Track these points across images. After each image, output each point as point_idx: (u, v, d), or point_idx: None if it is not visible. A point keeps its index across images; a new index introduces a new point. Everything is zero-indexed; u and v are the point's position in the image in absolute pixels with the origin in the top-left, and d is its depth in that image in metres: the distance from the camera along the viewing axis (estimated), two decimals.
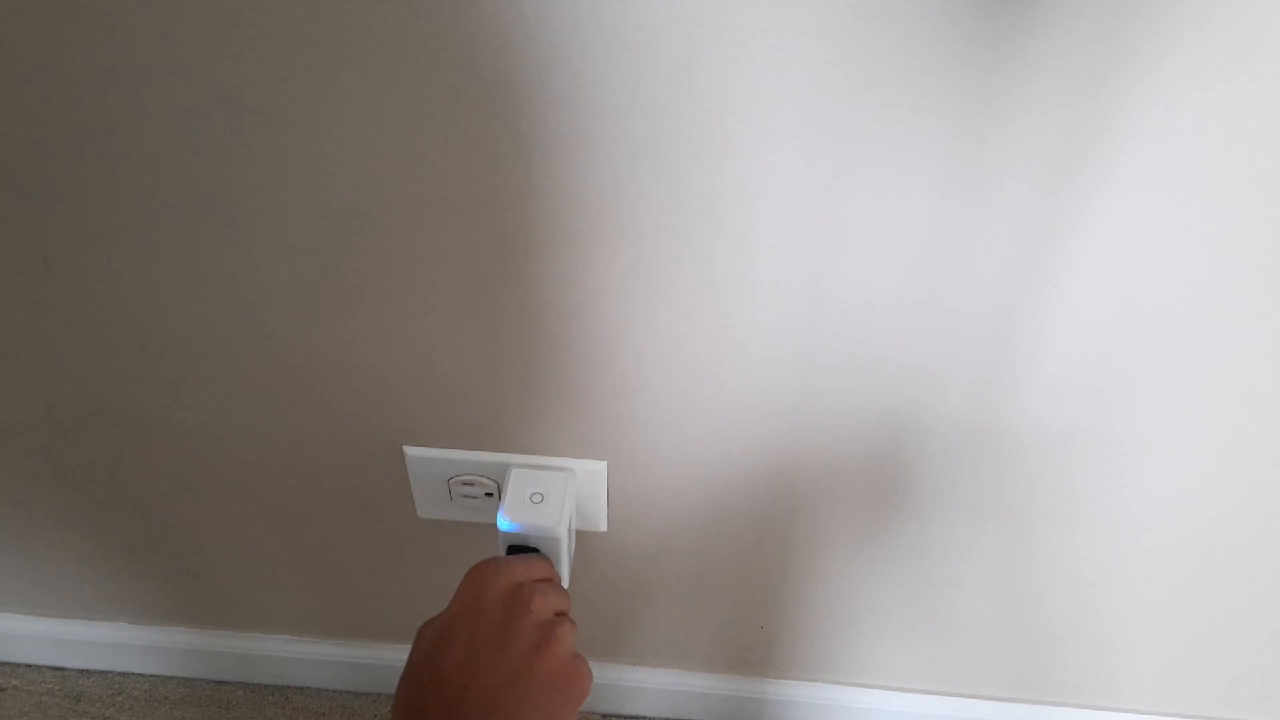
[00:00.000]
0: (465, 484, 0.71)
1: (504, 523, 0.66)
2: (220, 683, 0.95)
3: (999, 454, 0.66)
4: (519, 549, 0.67)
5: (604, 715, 0.92)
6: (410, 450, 0.70)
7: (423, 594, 0.83)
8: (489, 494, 0.71)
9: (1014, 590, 0.76)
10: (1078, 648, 0.81)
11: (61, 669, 0.95)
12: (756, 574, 0.78)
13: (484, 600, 0.49)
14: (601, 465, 0.69)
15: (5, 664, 0.95)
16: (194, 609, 0.89)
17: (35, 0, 0.49)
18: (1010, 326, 0.59)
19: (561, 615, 0.52)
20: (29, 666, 0.95)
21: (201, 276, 0.61)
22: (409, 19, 0.48)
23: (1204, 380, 0.60)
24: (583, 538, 0.75)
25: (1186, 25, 0.46)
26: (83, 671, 0.95)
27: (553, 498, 0.67)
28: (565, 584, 0.70)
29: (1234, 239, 0.54)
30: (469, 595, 0.50)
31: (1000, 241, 0.55)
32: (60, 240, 0.60)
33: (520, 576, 0.52)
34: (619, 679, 0.89)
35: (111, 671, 0.95)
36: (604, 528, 0.74)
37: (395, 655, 0.89)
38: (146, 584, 0.86)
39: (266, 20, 0.49)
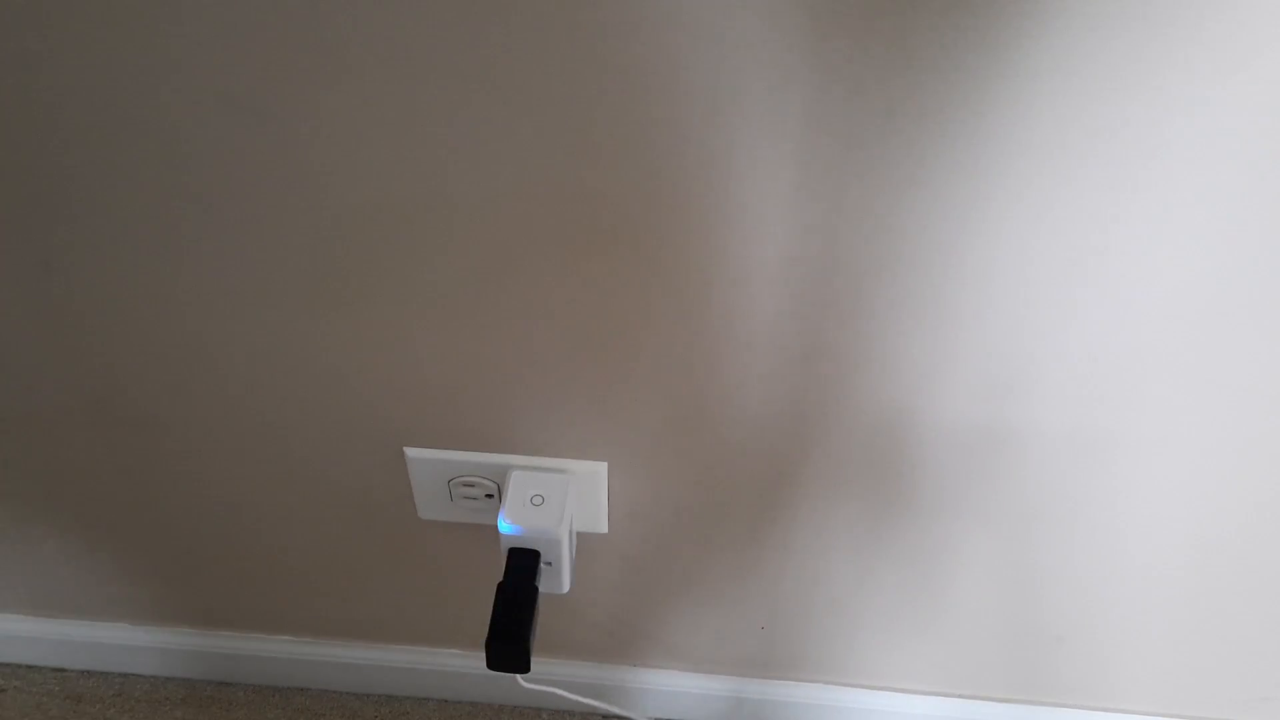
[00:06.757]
0: (466, 485, 0.71)
1: (505, 526, 0.66)
2: (221, 683, 0.95)
3: (1000, 454, 0.66)
4: (520, 551, 0.67)
5: (604, 716, 0.92)
6: (410, 451, 0.70)
7: (423, 595, 0.83)
8: (489, 495, 0.71)
9: (1014, 591, 0.76)
10: (1078, 648, 0.81)
11: (62, 670, 0.95)
12: (756, 574, 0.78)
13: None
14: (601, 466, 0.69)
15: (6, 665, 0.96)
16: (194, 609, 0.89)
17: (36, 0, 0.49)
18: (1011, 327, 0.59)
19: None
20: (30, 667, 0.95)
21: (201, 277, 0.61)
22: (408, 19, 0.48)
23: (1204, 381, 0.60)
24: (583, 539, 0.75)
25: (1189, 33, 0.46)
26: (84, 672, 0.95)
27: (553, 500, 0.67)
28: (565, 587, 0.70)
29: (1232, 239, 0.54)
30: None
31: (999, 241, 0.55)
32: (60, 240, 0.60)
33: None
34: (619, 680, 0.89)
35: (112, 672, 0.95)
36: (604, 528, 0.74)
37: (396, 656, 0.89)
38: (147, 584, 0.86)
39: (266, 20, 0.49)
